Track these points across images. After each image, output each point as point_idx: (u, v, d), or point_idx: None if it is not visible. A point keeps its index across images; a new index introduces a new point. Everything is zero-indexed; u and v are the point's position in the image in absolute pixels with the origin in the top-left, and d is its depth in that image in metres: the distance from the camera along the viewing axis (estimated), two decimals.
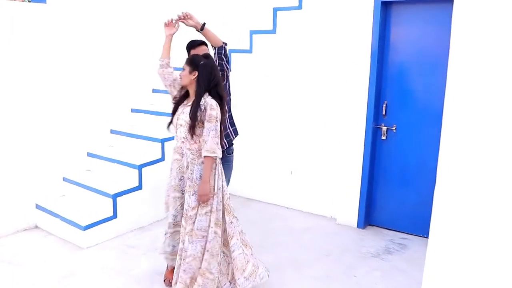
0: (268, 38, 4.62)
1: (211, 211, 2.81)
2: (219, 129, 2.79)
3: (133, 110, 5.04)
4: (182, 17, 3.07)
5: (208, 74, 2.78)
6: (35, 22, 4.05)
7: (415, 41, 3.86)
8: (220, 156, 2.81)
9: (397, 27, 3.92)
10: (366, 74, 3.97)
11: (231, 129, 3.45)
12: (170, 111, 2.95)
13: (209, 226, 2.81)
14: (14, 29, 3.90)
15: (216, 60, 3.23)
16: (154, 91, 5.23)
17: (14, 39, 3.91)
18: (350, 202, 4.25)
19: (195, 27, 3.14)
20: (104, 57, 4.69)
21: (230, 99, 3.51)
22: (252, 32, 4.71)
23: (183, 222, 2.87)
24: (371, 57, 3.93)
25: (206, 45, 3.39)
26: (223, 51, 3.21)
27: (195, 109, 2.73)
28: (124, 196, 4.03)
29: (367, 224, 4.30)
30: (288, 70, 4.55)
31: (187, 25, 3.11)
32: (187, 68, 2.80)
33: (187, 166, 2.85)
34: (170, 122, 2.94)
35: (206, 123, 2.73)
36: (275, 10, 4.51)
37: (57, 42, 4.24)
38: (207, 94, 2.79)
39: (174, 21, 3.04)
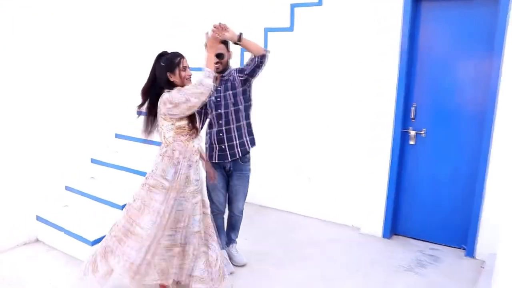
0: (285, 36, 4.34)
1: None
2: None
3: (139, 113, 4.71)
4: (218, 29, 2.82)
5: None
6: (35, 22, 3.73)
7: (447, 39, 3.61)
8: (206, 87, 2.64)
9: (428, 24, 3.67)
10: (394, 74, 3.72)
11: (247, 138, 3.21)
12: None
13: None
14: (14, 31, 3.57)
15: (251, 67, 3.05)
16: None
17: (13, 41, 3.59)
18: (375, 210, 4.00)
19: (231, 39, 2.92)
20: (108, 59, 4.37)
21: (250, 105, 3.26)
22: (267, 30, 4.42)
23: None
24: (400, 56, 3.67)
25: (224, 42, 3.10)
26: (265, 60, 3.02)
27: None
28: None
29: (393, 234, 4.05)
30: (306, 69, 4.28)
31: (222, 38, 2.87)
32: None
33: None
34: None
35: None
36: (293, 6, 4.23)
37: (59, 45, 3.93)
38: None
39: (208, 33, 2.83)
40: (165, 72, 2.69)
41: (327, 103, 4.20)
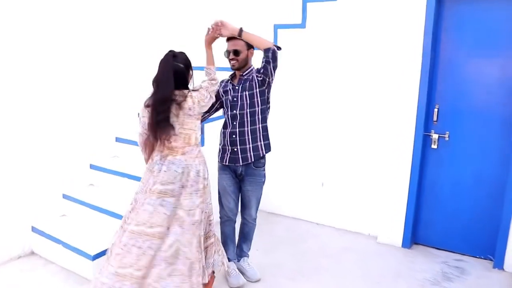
0: (296, 33, 4.09)
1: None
2: (140, 133, 2.78)
3: (139, 115, 4.43)
4: (214, 28, 2.82)
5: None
6: (32, 25, 3.45)
7: (472, 37, 3.38)
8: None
9: (452, 21, 3.43)
10: (416, 73, 3.48)
11: (262, 142, 3.00)
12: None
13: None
14: (11, 34, 3.29)
15: (262, 63, 2.86)
16: None
17: (10, 44, 3.32)
18: (394, 218, 3.76)
19: (232, 35, 2.84)
20: (106, 62, 4.10)
21: (267, 109, 3.05)
22: (277, 27, 4.17)
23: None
24: (422, 54, 3.44)
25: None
26: (270, 54, 2.80)
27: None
28: None
29: (413, 243, 3.82)
30: (320, 69, 4.03)
31: (223, 36, 2.83)
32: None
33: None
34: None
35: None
36: (305, 1, 3.98)
37: (54, 48, 3.66)
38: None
39: (209, 29, 2.85)
40: (185, 71, 2.66)
41: (342, 104, 3.96)
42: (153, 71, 4.53)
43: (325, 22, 3.92)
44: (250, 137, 2.95)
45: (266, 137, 3.03)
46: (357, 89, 3.86)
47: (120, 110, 4.27)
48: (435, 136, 3.57)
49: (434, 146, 3.58)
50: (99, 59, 4.03)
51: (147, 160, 2.80)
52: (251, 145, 2.96)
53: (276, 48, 2.82)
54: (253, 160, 2.98)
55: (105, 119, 4.14)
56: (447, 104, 3.52)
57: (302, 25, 4.02)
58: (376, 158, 3.84)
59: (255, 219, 3.24)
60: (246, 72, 2.98)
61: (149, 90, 4.50)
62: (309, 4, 3.95)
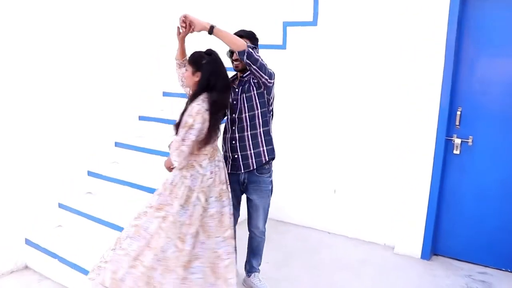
0: (307, 31, 3.85)
1: (164, 218, 2.47)
2: (192, 139, 2.41)
3: (141, 118, 4.20)
4: (183, 25, 2.54)
5: (208, 73, 2.49)
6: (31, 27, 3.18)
7: (498, 36, 3.15)
8: (177, 166, 2.48)
9: (477, 19, 3.20)
10: (438, 74, 3.26)
11: (265, 148, 2.76)
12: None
13: (157, 232, 2.47)
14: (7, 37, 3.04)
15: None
16: (164, 94, 4.39)
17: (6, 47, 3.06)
18: (413, 227, 3.54)
19: (204, 30, 2.52)
20: (105, 57, 3.84)
21: (269, 112, 2.81)
22: (286, 24, 3.92)
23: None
24: (445, 54, 3.21)
25: (249, 37, 2.72)
26: (245, 57, 2.51)
27: (183, 111, 2.48)
28: None
29: (432, 254, 3.59)
30: (331, 69, 3.79)
31: (197, 31, 2.54)
32: (190, 69, 2.52)
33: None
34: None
35: (180, 129, 2.45)
36: None
37: (53, 50, 3.41)
38: (205, 94, 2.48)
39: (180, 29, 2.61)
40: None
41: (357, 106, 3.73)
42: (155, 67, 4.36)
43: (339, 18, 3.68)
44: (251, 142, 2.73)
45: (269, 142, 2.80)
46: (373, 90, 3.63)
47: (120, 112, 4.02)
48: (457, 141, 3.34)
49: (456, 152, 3.36)
50: (97, 61, 3.77)
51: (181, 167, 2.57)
52: (252, 151, 2.74)
53: (250, 50, 2.52)
54: (255, 167, 2.76)
55: (103, 123, 3.88)
56: (471, 106, 3.30)
57: (314, 23, 3.78)
58: (393, 164, 3.61)
59: (263, 232, 3.01)
60: (246, 73, 2.75)
61: (150, 90, 4.30)
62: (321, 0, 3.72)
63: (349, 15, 3.63)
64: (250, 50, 2.50)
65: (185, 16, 2.50)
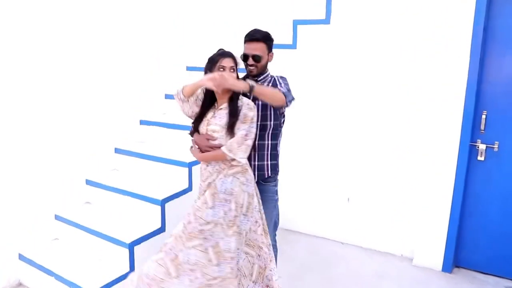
0: (319, 29, 3.62)
1: (239, 233, 2.32)
2: (254, 133, 2.33)
3: (142, 122, 3.96)
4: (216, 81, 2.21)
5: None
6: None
7: None
8: (242, 161, 2.31)
9: (504, 19, 2.99)
10: (463, 76, 3.04)
11: (269, 162, 2.57)
12: (193, 118, 2.43)
13: (237, 248, 2.32)
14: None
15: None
16: (167, 96, 4.16)
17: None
18: (434, 238, 3.33)
19: (244, 90, 2.26)
20: (103, 57, 3.60)
21: (280, 124, 2.61)
22: (297, 22, 3.70)
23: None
24: (470, 55, 3.00)
25: (265, 40, 2.50)
26: (284, 110, 2.52)
27: (235, 108, 2.28)
28: (143, 244, 2.97)
29: (454, 266, 3.38)
30: (345, 71, 3.57)
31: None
32: (234, 68, 2.32)
33: (212, 176, 2.35)
34: (195, 130, 2.41)
35: (240, 125, 2.27)
36: None
37: (52, 55, 3.17)
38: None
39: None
40: (205, 70, 2.34)
41: (372, 108, 3.51)
42: (158, 69, 4.12)
43: (354, 16, 3.46)
44: (257, 153, 2.53)
45: (274, 157, 2.59)
46: (391, 92, 3.41)
47: (120, 116, 3.78)
48: (482, 147, 3.14)
49: (480, 158, 3.15)
50: (95, 62, 3.53)
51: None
52: (256, 163, 2.54)
53: (289, 98, 2.39)
54: (256, 180, 2.53)
55: (102, 127, 3.64)
56: (497, 110, 3.09)
57: (326, 21, 3.56)
58: (411, 170, 3.40)
59: (274, 245, 2.78)
60: (261, 77, 2.54)
61: (152, 92, 4.07)
62: None
63: (366, 12, 3.41)
64: (289, 98, 2.39)
65: (221, 76, 2.20)
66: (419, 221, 3.40)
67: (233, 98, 2.30)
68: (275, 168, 2.62)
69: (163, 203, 3.08)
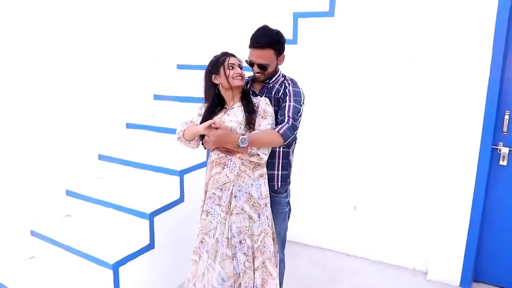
0: (322, 23, 3.31)
1: (266, 233, 2.22)
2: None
3: (128, 126, 3.62)
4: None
5: None
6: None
7: None
8: (264, 158, 2.12)
9: None
10: (485, 73, 2.75)
11: (280, 172, 2.29)
12: (198, 122, 2.23)
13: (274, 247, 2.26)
14: None
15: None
16: (156, 97, 3.83)
17: None
18: (451, 250, 3.03)
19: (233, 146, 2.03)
20: (86, 54, 3.26)
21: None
22: (298, 15, 3.38)
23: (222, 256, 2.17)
24: (493, 50, 2.70)
25: (272, 46, 2.18)
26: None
27: (252, 104, 2.14)
28: (130, 264, 2.63)
29: (473, 281, 3.10)
30: (353, 69, 3.26)
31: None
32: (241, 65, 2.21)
33: (232, 181, 2.15)
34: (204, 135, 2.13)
35: (261, 121, 2.11)
36: None
37: (33, 62, 2.80)
38: None
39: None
40: (209, 75, 2.19)
41: (381, 109, 3.21)
42: (146, 67, 3.80)
43: (362, 8, 3.15)
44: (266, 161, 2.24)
45: (285, 167, 2.30)
46: (402, 91, 3.11)
47: (104, 120, 3.44)
48: (504, 150, 2.85)
49: (503, 163, 2.87)
50: (79, 65, 3.19)
51: None
52: None
53: (286, 136, 2.08)
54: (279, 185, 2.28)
55: (84, 132, 3.29)
56: None
57: (330, 13, 3.25)
58: (425, 175, 3.10)
59: (282, 259, 2.50)
60: (272, 81, 2.27)
61: (140, 93, 3.74)
62: None
63: (375, 2, 3.10)
64: (286, 135, 2.07)
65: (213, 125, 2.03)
66: (434, 231, 3.11)
67: (246, 95, 2.18)
68: (286, 179, 2.32)
69: (151, 216, 2.74)
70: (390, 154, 3.23)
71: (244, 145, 1.98)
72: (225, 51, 2.21)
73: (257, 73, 2.21)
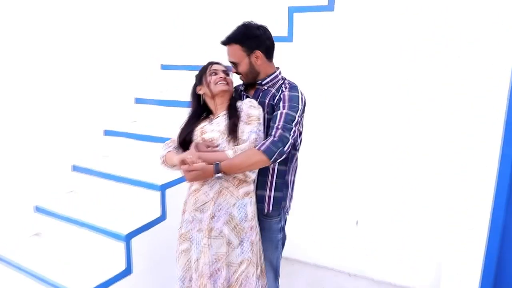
0: (321, 18, 3.01)
1: (250, 262, 1.91)
2: (263, 137, 1.88)
3: (107, 133, 3.28)
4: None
5: None
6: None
7: None
8: (252, 175, 1.89)
9: None
10: (506, 73, 2.45)
11: (272, 193, 2.00)
12: (179, 128, 2.02)
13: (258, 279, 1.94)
14: None
15: None
16: (137, 101, 3.49)
17: None
18: (466, 268, 2.72)
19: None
20: (61, 57, 2.92)
21: (296, 147, 2.07)
22: (293, 10, 3.08)
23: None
24: None
25: (237, 41, 1.94)
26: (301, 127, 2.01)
27: (235, 108, 1.92)
28: None
29: None
30: (356, 68, 2.98)
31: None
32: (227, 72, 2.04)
33: (212, 199, 1.87)
34: (183, 140, 1.95)
35: (244, 127, 1.85)
36: None
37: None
38: None
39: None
40: (194, 87, 2.03)
41: (386, 113, 2.93)
42: (127, 68, 3.48)
43: (363, 2, 2.86)
44: (256, 178, 1.96)
45: (280, 187, 2.00)
46: (409, 94, 2.84)
47: (79, 126, 3.10)
48: None
49: None
50: (51, 66, 2.85)
51: None
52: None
53: (273, 155, 1.78)
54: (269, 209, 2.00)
55: (57, 141, 2.93)
56: None
57: (330, 7, 2.95)
58: (435, 185, 2.82)
59: None
60: (266, 80, 1.99)
61: (120, 96, 3.42)
62: None
63: None
64: (269, 151, 1.76)
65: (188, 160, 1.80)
66: (445, 248, 2.80)
67: (232, 103, 1.95)
68: (279, 202, 2.00)
69: (128, 238, 2.40)
70: (394, 163, 2.97)
71: (220, 176, 1.75)
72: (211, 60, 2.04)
73: (235, 73, 2.00)
